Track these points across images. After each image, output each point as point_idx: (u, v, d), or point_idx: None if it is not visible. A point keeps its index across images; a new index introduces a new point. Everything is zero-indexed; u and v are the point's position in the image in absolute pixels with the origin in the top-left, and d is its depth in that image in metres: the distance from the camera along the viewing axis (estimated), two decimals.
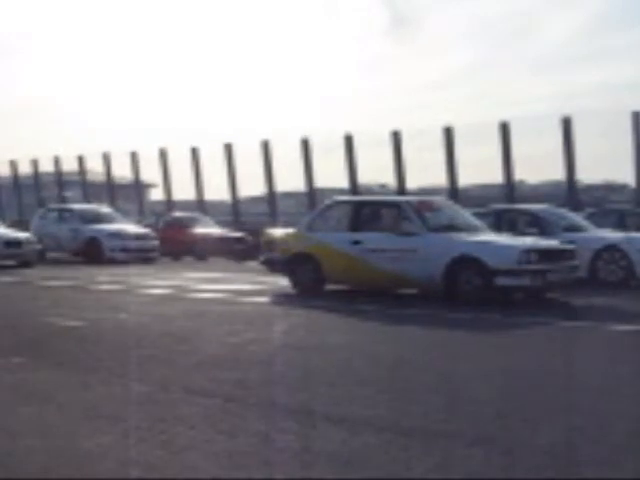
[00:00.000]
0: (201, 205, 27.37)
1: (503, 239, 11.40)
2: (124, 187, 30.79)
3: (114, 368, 6.47)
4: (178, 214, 25.40)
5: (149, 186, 32.51)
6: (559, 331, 8.63)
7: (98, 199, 29.17)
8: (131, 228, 21.95)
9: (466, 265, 10.71)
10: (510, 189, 20.93)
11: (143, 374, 6.17)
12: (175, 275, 16.65)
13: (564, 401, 5.29)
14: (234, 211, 26.55)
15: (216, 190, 27.51)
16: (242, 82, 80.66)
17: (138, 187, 29.92)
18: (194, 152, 27.17)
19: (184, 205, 28.56)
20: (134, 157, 28.85)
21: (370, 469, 3.87)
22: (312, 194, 24.64)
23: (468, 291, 10.60)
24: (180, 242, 22.87)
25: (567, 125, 19.85)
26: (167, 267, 19.63)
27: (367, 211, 12.37)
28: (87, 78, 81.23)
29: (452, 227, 11.75)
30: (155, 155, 28.12)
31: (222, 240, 22.97)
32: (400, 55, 75.16)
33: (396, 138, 22.69)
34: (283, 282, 12.86)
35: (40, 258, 20.05)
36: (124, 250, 20.64)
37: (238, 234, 23.27)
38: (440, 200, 13.56)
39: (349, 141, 23.60)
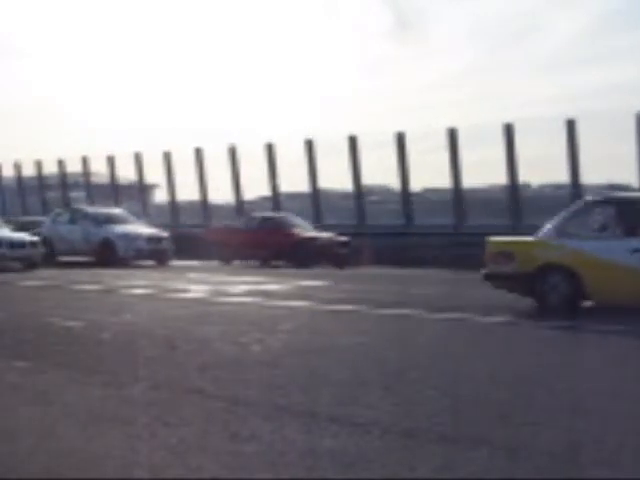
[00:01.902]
0: (205, 207, 27.38)
1: None
2: (128, 188, 30.81)
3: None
4: (270, 214, 23.39)
5: (153, 187, 32.53)
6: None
7: (102, 201, 29.21)
8: (145, 229, 21.71)
9: None
10: (514, 191, 20.90)
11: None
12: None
13: (566, 402, 5.28)
14: (238, 212, 26.54)
15: (220, 192, 27.49)
16: (245, 84, 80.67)
17: (142, 188, 29.94)
18: (198, 153, 27.19)
19: (188, 207, 28.59)
20: (138, 158, 28.88)
21: (374, 470, 3.86)
22: (316, 195, 24.63)
23: None
24: (276, 245, 20.68)
25: (571, 127, 19.83)
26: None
27: None
28: (91, 79, 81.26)
29: None
30: (159, 157, 28.14)
31: (327, 244, 20.85)
32: (402, 56, 75.07)
33: (400, 139, 22.68)
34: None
35: (50, 261, 19.87)
36: (138, 251, 20.46)
37: (343, 238, 21.08)
38: None
39: (353, 142, 23.59)
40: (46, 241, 20.86)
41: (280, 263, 20.99)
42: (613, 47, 66.47)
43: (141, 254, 20.52)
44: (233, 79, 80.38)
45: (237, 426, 4.66)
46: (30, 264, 18.83)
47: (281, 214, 23.40)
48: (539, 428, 4.52)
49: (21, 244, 19.12)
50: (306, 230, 21.71)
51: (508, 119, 20.70)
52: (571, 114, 19.83)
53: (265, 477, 3.83)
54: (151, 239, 20.89)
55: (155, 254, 20.77)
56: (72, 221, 22.09)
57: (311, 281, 14.91)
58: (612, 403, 5.23)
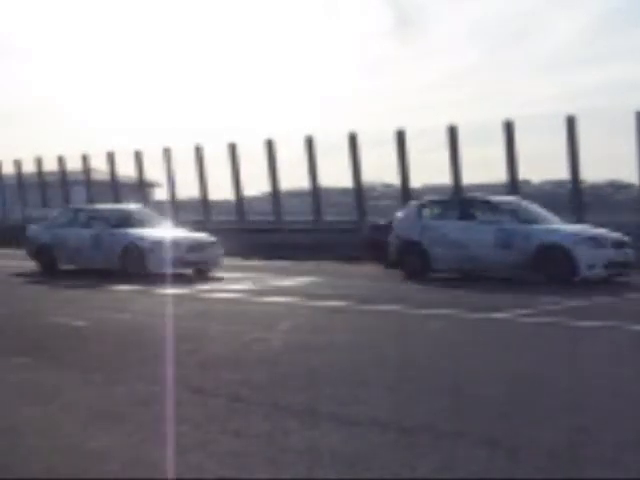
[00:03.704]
0: (205, 204, 27.37)
1: None
2: (128, 186, 30.79)
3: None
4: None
5: (153, 185, 32.51)
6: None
7: (102, 198, 29.19)
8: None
9: None
10: (514, 188, 20.89)
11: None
12: None
13: (567, 401, 5.28)
14: (238, 210, 26.54)
15: (220, 189, 27.48)
16: (245, 82, 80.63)
17: (142, 186, 29.93)
18: (198, 151, 27.17)
19: (188, 204, 28.55)
20: (138, 156, 28.86)
21: (375, 469, 3.87)
22: (316, 193, 24.62)
23: None
24: None
25: (571, 124, 19.79)
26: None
27: None
28: (91, 77, 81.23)
29: None
30: (159, 155, 28.13)
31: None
32: (403, 55, 75.01)
33: (400, 137, 22.64)
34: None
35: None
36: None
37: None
38: None
39: (353, 140, 23.56)
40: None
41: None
42: (613, 46, 66.48)
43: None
44: (233, 78, 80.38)
45: (237, 424, 4.67)
46: (204, 270, 15.95)
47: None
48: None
49: (201, 245, 16.10)
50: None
51: (508, 116, 20.68)
52: (572, 112, 19.81)
53: (265, 476, 3.84)
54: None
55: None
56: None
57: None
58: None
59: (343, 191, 25.52)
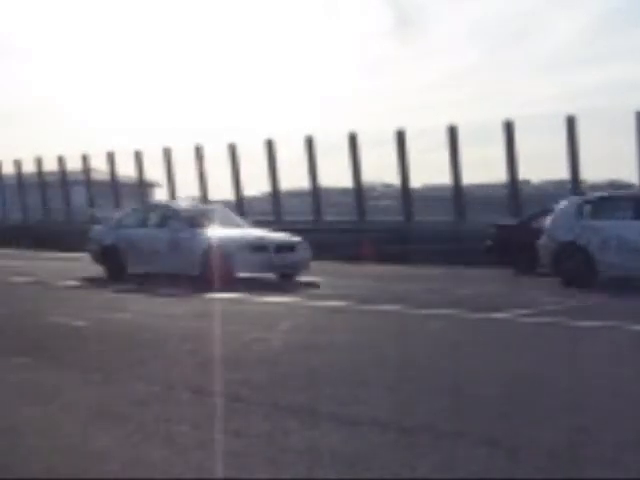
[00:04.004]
0: (205, 204, 27.36)
1: None
2: (128, 186, 30.79)
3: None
4: None
5: (152, 185, 32.51)
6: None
7: (102, 198, 29.19)
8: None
9: None
10: (514, 188, 20.89)
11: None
12: None
13: (567, 401, 5.28)
14: (238, 210, 26.55)
15: (220, 189, 27.48)
16: (245, 82, 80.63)
17: (142, 186, 29.94)
18: (198, 151, 27.18)
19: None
20: (138, 156, 28.87)
21: (375, 469, 3.87)
22: (316, 193, 24.62)
23: None
24: None
25: (571, 124, 19.79)
26: None
27: None
28: (91, 77, 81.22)
29: None
30: (159, 155, 28.13)
31: None
32: (403, 55, 75.02)
33: (400, 137, 22.65)
34: None
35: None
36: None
37: None
38: None
39: (353, 140, 23.57)
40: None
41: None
42: (613, 46, 66.47)
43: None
44: (233, 78, 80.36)
45: (237, 424, 4.67)
46: (291, 274, 14.71)
47: None
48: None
49: (289, 246, 14.76)
50: None
51: (508, 116, 20.69)
52: (572, 112, 19.81)
53: (265, 476, 3.84)
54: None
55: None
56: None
57: None
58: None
59: (343, 191, 25.52)
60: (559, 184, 22.13)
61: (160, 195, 31.36)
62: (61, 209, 31.07)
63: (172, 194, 28.38)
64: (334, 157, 25.24)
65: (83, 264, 17.21)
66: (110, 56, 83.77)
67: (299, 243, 14.87)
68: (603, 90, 54.92)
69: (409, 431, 4.51)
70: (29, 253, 24.97)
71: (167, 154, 28.03)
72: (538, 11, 66.44)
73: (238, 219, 16.74)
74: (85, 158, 30.43)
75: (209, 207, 17.19)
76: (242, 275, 13.84)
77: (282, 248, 14.38)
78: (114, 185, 30.09)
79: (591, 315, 9.37)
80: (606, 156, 21.05)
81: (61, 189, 31.27)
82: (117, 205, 29.00)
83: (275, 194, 25.71)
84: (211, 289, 12.27)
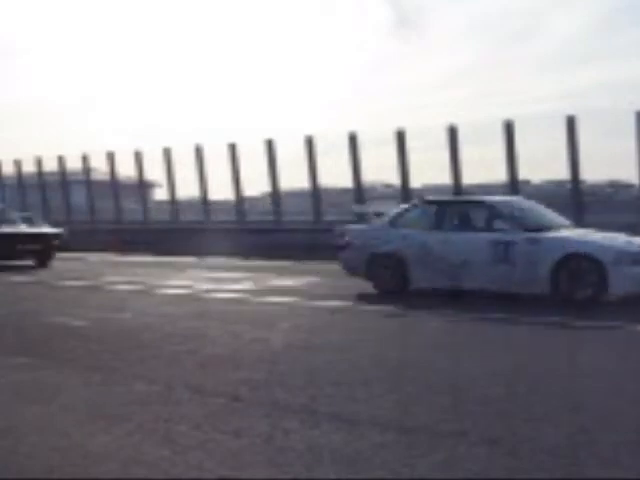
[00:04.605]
0: (205, 204, 27.36)
1: None
2: (128, 186, 30.78)
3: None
4: None
5: (152, 185, 32.49)
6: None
7: (102, 198, 29.15)
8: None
9: None
10: (514, 188, 20.89)
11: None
12: None
13: (567, 401, 5.28)
14: (238, 210, 26.54)
15: (220, 189, 27.47)
16: (245, 81, 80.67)
17: (142, 186, 29.92)
18: (198, 151, 27.16)
19: (188, 205, 28.55)
20: (138, 156, 28.85)
21: (374, 468, 3.87)
22: (316, 193, 24.62)
23: None
24: None
25: (571, 124, 19.79)
26: None
27: None
28: (90, 77, 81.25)
29: None
30: (159, 154, 28.12)
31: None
32: (403, 55, 75.04)
33: (400, 137, 22.65)
34: None
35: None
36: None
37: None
38: None
39: (353, 140, 23.56)
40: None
41: None
42: (613, 46, 66.50)
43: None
44: (233, 77, 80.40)
45: (237, 424, 4.67)
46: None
47: None
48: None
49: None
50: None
51: (508, 116, 20.69)
52: (572, 112, 19.81)
53: (265, 476, 3.84)
54: None
55: None
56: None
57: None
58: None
59: (343, 191, 25.51)
60: (559, 184, 22.14)
61: (160, 195, 31.36)
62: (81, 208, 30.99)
63: (172, 194, 28.38)
64: (334, 157, 25.21)
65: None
66: (110, 56, 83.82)
67: None
68: (603, 90, 54.95)
69: (409, 431, 4.51)
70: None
71: (167, 154, 28.01)
72: (538, 11, 66.49)
73: (561, 218, 12.31)
74: (85, 158, 30.42)
75: (525, 203, 12.63)
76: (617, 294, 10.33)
77: None
78: (114, 185, 30.09)
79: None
80: (606, 156, 21.03)
81: (61, 189, 31.27)
82: (117, 205, 29.04)
83: (275, 194, 25.71)
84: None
